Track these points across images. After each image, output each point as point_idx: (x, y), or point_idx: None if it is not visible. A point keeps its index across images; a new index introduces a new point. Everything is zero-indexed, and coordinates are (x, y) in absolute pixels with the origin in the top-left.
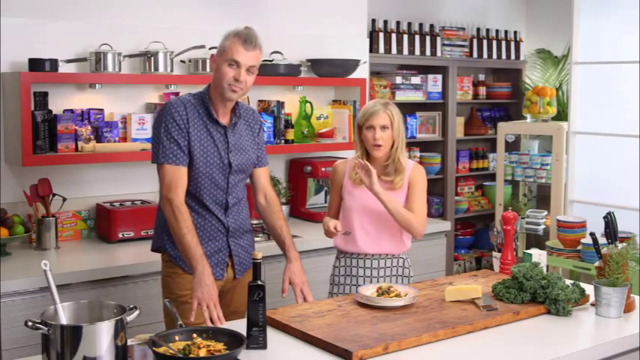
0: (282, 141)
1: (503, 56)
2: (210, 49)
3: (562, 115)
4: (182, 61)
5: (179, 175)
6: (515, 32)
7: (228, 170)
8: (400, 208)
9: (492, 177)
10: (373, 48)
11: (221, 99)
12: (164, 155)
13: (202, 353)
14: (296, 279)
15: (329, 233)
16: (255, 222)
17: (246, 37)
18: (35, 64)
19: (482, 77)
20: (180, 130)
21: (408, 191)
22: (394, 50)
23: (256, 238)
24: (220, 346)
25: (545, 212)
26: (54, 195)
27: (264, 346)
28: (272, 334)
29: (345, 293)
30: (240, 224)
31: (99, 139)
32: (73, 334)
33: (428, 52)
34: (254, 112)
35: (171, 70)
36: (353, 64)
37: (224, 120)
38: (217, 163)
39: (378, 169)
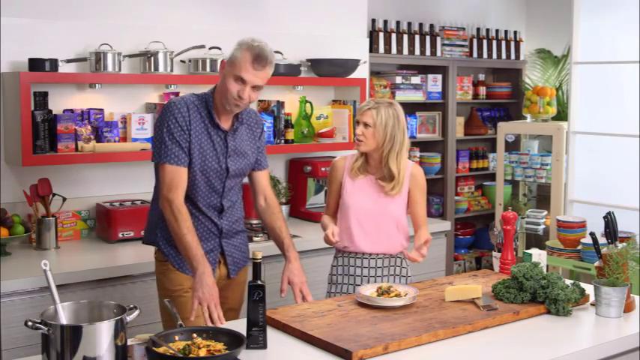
0: (282, 141)
1: (503, 56)
2: (210, 48)
3: (562, 115)
4: (182, 61)
5: (179, 175)
6: (515, 32)
7: (225, 175)
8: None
9: (492, 177)
10: (373, 48)
11: (225, 107)
12: (166, 155)
13: (202, 353)
14: (295, 279)
15: (328, 241)
16: (255, 222)
17: (257, 57)
18: (35, 64)
19: (482, 77)
20: (182, 130)
21: (410, 197)
22: (394, 50)
23: (256, 238)
24: (220, 346)
25: (545, 212)
26: (54, 195)
27: (264, 346)
28: (272, 334)
29: (343, 292)
30: (234, 225)
31: (99, 139)
32: (73, 334)
33: (428, 52)
34: (256, 114)
35: (171, 70)
36: (353, 64)
37: (226, 125)
38: (215, 168)
39: (375, 168)
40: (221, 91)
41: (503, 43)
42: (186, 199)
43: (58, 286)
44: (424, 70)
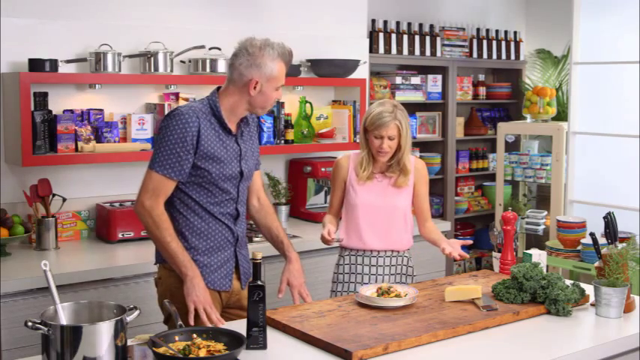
0: (282, 141)
1: (503, 56)
2: (210, 49)
3: (562, 115)
4: (182, 61)
5: (165, 185)
6: (515, 32)
7: (239, 179)
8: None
9: (492, 177)
10: (373, 48)
11: (243, 112)
12: (159, 164)
13: (202, 353)
14: (294, 281)
15: (325, 241)
16: (251, 222)
17: (290, 60)
18: (35, 64)
19: (482, 77)
20: (184, 144)
21: (415, 190)
22: (394, 50)
23: (256, 238)
24: (220, 346)
25: (545, 212)
26: (54, 195)
27: (264, 346)
28: (272, 334)
29: (348, 291)
30: (244, 233)
31: (99, 139)
32: (73, 335)
33: (428, 52)
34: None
35: (171, 71)
36: (353, 64)
37: (234, 128)
38: (229, 173)
39: (381, 166)
40: (258, 104)
41: (503, 43)
42: (201, 208)
43: (58, 287)
44: (424, 70)
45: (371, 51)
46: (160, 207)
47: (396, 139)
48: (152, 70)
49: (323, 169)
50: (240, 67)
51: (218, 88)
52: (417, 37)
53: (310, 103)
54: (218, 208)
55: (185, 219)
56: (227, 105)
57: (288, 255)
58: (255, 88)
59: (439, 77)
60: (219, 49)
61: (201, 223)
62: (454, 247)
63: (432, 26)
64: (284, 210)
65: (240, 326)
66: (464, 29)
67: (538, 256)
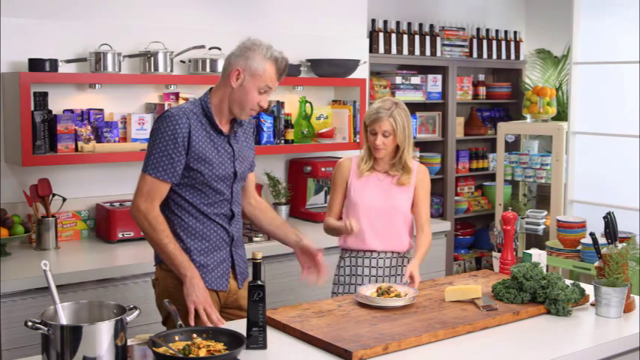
0: (282, 141)
1: (503, 56)
2: (210, 49)
3: (562, 115)
4: (182, 61)
5: (159, 187)
6: (515, 32)
7: (233, 179)
8: (427, 249)
9: (492, 177)
10: (373, 48)
11: (230, 112)
12: (152, 167)
13: (202, 353)
14: (315, 250)
15: (346, 230)
16: (248, 223)
17: (284, 69)
18: (35, 64)
19: (482, 77)
20: (176, 145)
21: (415, 195)
22: (394, 50)
23: (256, 238)
24: (220, 346)
25: (545, 212)
26: (54, 195)
27: (264, 346)
28: (272, 334)
29: (349, 292)
30: (240, 233)
31: (99, 139)
32: (73, 334)
33: (428, 52)
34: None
35: (171, 70)
36: (353, 64)
37: (225, 129)
38: (222, 174)
39: (384, 165)
40: (236, 100)
41: (503, 43)
42: (195, 209)
43: (58, 287)
44: (424, 70)
45: (371, 51)
46: (156, 209)
47: (391, 136)
48: (152, 70)
49: (323, 169)
50: (230, 57)
51: (211, 89)
52: (417, 37)
53: (310, 103)
54: (212, 209)
55: (180, 220)
56: (216, 102)
57: (294, 238)
58: (237, 79)
59: (439, 77)
60: (219, 49)
61: (196, 223)
62: (414, 275)
63: (432, 26)
64: (284, 210)
65: (240, 326)
66: (464, 29)
67: (538, 256)
